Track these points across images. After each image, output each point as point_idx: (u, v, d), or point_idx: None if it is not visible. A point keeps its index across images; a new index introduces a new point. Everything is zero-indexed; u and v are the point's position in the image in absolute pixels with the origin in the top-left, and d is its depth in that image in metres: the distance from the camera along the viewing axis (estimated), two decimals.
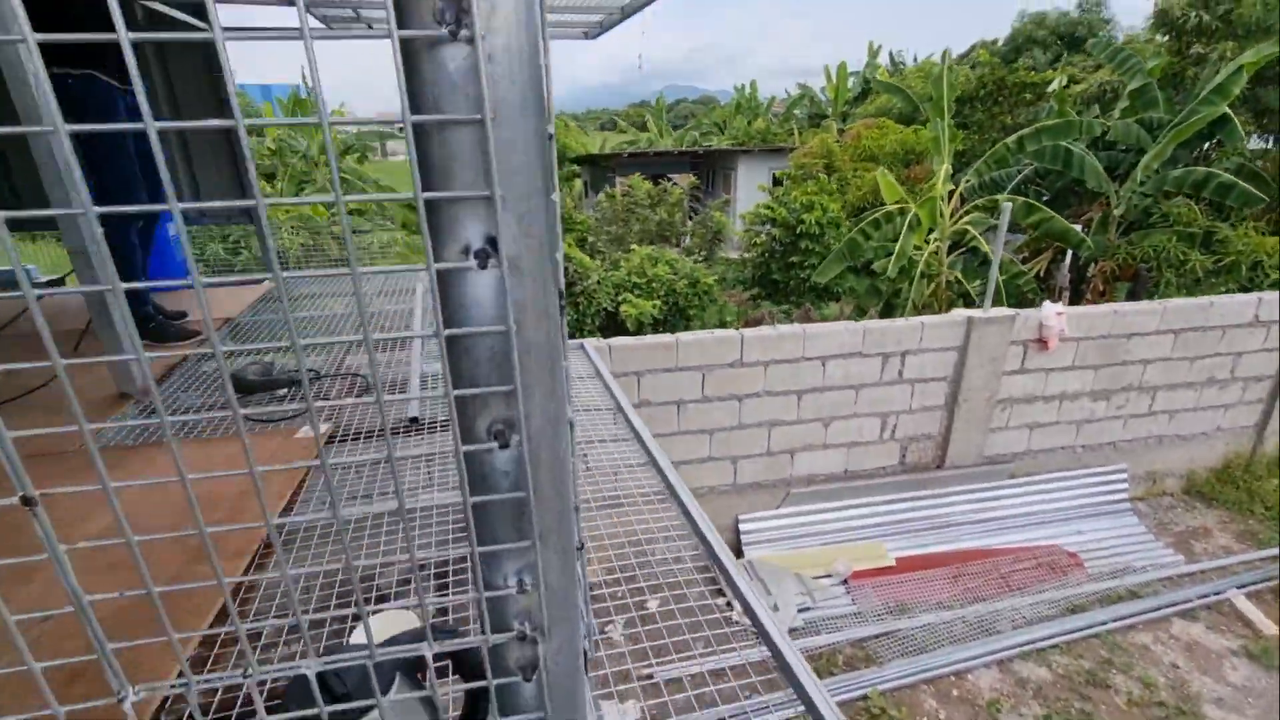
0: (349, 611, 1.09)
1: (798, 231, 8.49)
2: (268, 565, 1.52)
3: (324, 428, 2.00)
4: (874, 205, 9.26)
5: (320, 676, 0.76)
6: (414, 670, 0.85)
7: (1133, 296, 9.30)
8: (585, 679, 0.51)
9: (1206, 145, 9.94)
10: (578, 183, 20.97)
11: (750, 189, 16.28)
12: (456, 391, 0.40)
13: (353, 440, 2.04)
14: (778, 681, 1.51)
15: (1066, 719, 3.70)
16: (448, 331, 0.39)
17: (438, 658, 0.89)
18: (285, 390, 2.39)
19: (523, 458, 0.43)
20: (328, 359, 2.74)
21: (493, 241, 0.38)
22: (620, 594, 1.65)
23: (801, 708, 1.16)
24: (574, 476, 0.46)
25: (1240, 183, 8.14)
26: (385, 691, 0.78)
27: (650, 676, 3.51)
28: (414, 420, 2.05)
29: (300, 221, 11.83)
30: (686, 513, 1.53)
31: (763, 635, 1.10)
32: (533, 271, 0.39)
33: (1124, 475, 5.53)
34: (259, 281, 4.18)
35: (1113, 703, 3.82)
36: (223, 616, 1.29)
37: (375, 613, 1.10)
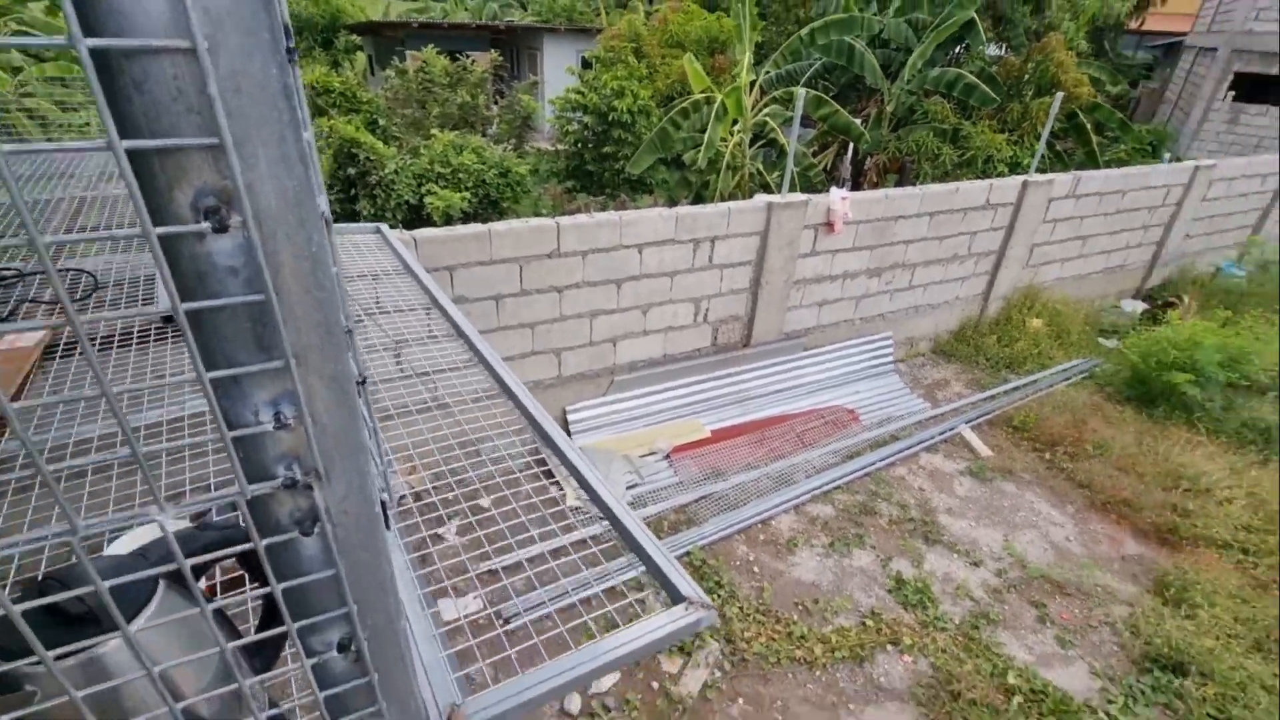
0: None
1: (610, 120, 8.29)
2: None
3: (39, 334, 1.59)
4: (683, 94, 9.28)
5: (46, 595, 0.61)
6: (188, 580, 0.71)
7: (900, 186, 10.55)
8: (386, 532, 0.44)
9: (958, 49, 11.23)
10: (361, 56, 18.31)
11: (558, 71, 15.42)
12: (127, 143, 0.27)
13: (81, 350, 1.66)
14: (618, 549, 1.57)
15: (845, 543, 4.43)
16: (93, 42, 0.26)
17: (211, 562, 0.76)
18: None
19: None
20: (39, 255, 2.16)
21: (228, 197, 0.26)
22: (453, 498, 1.58)
23: (643, 568, 1.20)
24: (343, 291, 0.36)
25: (980, 84, 9.37)
26: (142, 607, 0.65)
27: (486, 569, 3.56)
28: (167, 319, 1.70)
29: None
30: (519, 405, 1.46)
31: (601, 507, 1.10)
32: (290, 227, 0.28)
33: (890, 342, 6.48)
34: None
35: (879, 525, 4.64)
36: None
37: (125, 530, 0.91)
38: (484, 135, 9.96)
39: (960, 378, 6.66)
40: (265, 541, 0.39)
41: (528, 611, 3.42)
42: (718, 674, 3.52)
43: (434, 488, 1.55)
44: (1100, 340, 7.40)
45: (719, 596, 3.96)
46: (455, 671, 0.83)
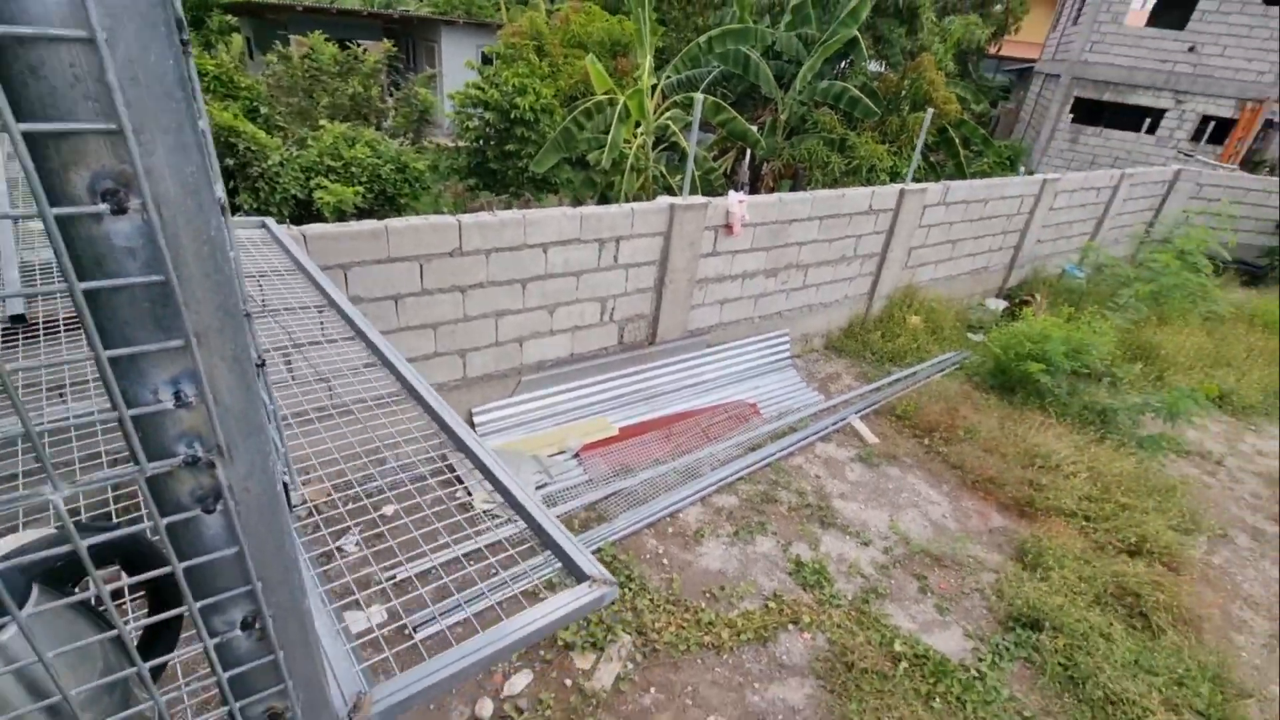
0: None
1: (512, 117, 8.19)
2: None
3: None
4: (585, 94, 9.32)
5: None
6: (59, 581, 0.68)
7: (793, 190, 11.10)
8: (288, 512, 0.45)
9: (843, 63, 11.98)
10: (237, 38, 16.99)
11: (457, 66, 15.01)
12: (25, 126, 0.28)
13: None
14: (534, 550, 1.58)
15: (749, 531, 4.64)
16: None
17: (103, 560, 0.72)
18: None
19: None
20: None
21: (126, 180, 0.28)
22: (358, 509, 1.52)
23: (559, 564, 1.22)
24: (240, 275, 0.37)
25: (864, 98, 10.04)
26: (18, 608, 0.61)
27: (394, 578, 3.44)
28: (17, 318, 1.54)
29: None
30: (427, 407, 1.44)
31: (505, 496, 1.12)
32: (189, 212, 0.29)
33: (786, 338, 6.82)
34: None
35: (779, 512, 4.89)
36: None
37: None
38: (378, 129, 9.55)
39: (850, 371, 7.12)
40: (166, 520, 0.39)
41: (444, 616, 3.35)
42: (630, 666, 3.59)
43: (339, 498, 1.50)
44: (969, 335, 8.14)
45: (630, 590, 4.03)
46: (361, 664, 0.84)
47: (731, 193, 5.61)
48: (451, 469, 4.36)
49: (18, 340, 1.48)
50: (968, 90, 14.85)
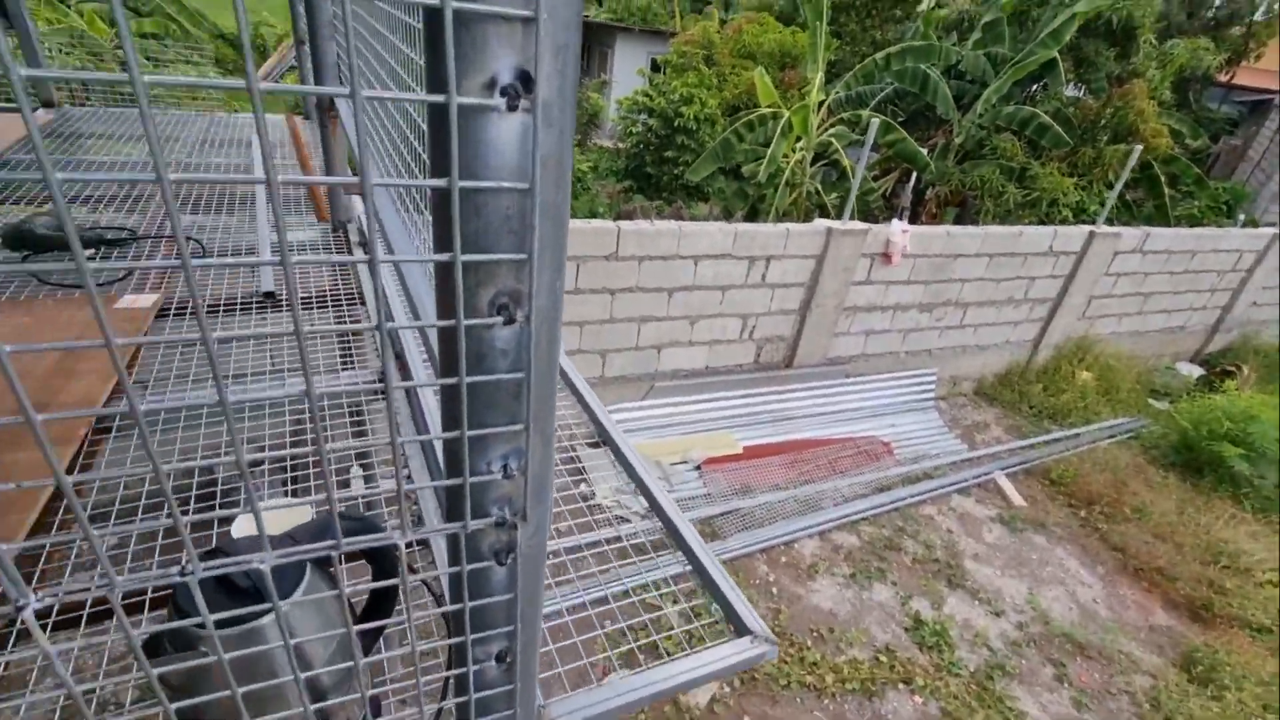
0: (235, 512, 0.99)
1: (675, 125, 8.34)
2: (98, 456, 1.31)
3: (153, 297, 1.71)
4: (748, 106, 9.28)
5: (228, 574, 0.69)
6: (324, 563, 0.79)
7: (959, 221, 10.39)
8: (545, 564, 0.51)
9: (1035, 87, 10.99)
10: None
11: (628, 72, 15.50)
12: (465, 257, 0.34)
13: (191, 315, 1.77)
14: (627, 552, 1.63)
15: (867, 575, 4.43)
16: (464, 184, 0.32)
17: (352, 555, 0.84)
18: (92, 251, 1.99)
19: (526, 335, 0.38)
20: (146, 217, 2.31)
21: (525, 78, 0.31)
22: None
23: (686, 563, 1.25)
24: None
25: (1054, 125, 9.17)
26: (295, 587, 0.73)
27: None
28: (269, 295, 1.81)
29: (73, 39, 9.48)
30: (581, 401, 1.52)
31: (679, 543, 1.16)
32: (560, 120, 0.33)
33: (933, 378, 6.41)
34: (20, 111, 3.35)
35: (902, 561, 4.62)
36: (43, 524, 1.11)
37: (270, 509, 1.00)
38: None
39: (1001, 422, 6.56)
40: (470, 567, 0.45)
41: (564, 599, 3.50)
42: (727, 690, 3.56)
43: None
44: (1150, 401, 7.19)
45: None
46: None
47: (895, 221, 5.35)
48: (572, 461, 4.54)
49: (268, 313, 1.74)
50: (1184, 123, 13.06)
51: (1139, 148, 6.70)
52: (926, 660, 3.90)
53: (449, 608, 0.46)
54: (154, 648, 0.66)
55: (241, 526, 0.95)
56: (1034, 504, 5.39)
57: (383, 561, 0.80)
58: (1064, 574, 4.73)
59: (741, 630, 0.96)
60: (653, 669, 0.89)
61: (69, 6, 10.72)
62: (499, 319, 0.37)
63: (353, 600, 1.07)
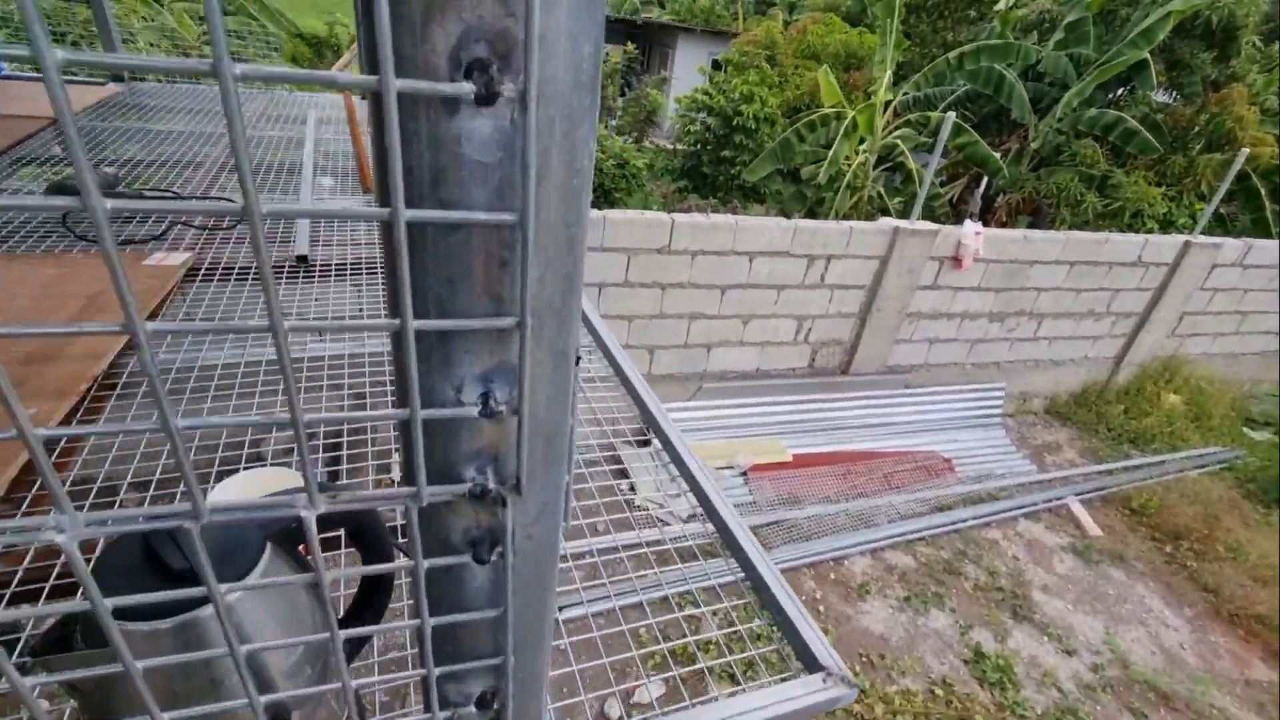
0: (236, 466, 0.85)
1: (734, 124, 8.12)
2: (100, 411, 1.21)
3: (184, 256, 1.63)
4: (810, 106, 8.98)
5: (148, 549, 0.54)
6: (293, 541, 0.64)
7: (1033, 229, 9.79)
8: (557, 568, 0.33)
9: (1121, 90, 10.31)
10: None
11: (689, 71, 15.35)
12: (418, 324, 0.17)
13: (220, 279, 1.68)
14: (668, 556, 1.46)
15: (923, 600, 4.11)
16: (413, 215, 0.16)
17: (328, 525, 0.68)
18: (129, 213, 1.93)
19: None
20: (193, 181, 2.26)
21: (505, 48, 0.17)
22: None
23: (741, 574, 1.09)
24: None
25: (1142, 131, 8.54)
26: (251, 568, 0.58)
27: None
28: (301, 259, 1.71)
29: (164, 34, 10.00)
30: (634, 394, 1.37)
31: (708, 510, 1.00)
32: (569, 112, 0.18)
33: (1001, 393, 5.99)
34: (101, 84, 3.43)
35: (962, 588, 4.27)
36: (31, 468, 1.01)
37: (244, 469, 0.87)
38: (607, 125, 10.02)
39: (1075, 444, 6.08)
40: (427, 563, 0.28)
41: (590, 603, 3.34)
42: None
43: None
44: (1246, 430, 6.56)
45: None
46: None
47: (967, 222, 5.01)
48: (616, 460, 4.37)
49: (298, 276, 1.64)
50: None
51: (1244, 152, 6.12)
52: (988, 697, 3.57)
53: (407, 623, 0.29)
54: (64, 642, 0.52)
55: (223, 490, 0.82)
56: (1112, 534, 4.94)
57: (375, 545, 0.65)
58: (1146, 613, 4.30)
59: (812, 665, 0.76)
60: (699, 707, 0.70)
61: (161, 5, 11.27)
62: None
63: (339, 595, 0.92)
